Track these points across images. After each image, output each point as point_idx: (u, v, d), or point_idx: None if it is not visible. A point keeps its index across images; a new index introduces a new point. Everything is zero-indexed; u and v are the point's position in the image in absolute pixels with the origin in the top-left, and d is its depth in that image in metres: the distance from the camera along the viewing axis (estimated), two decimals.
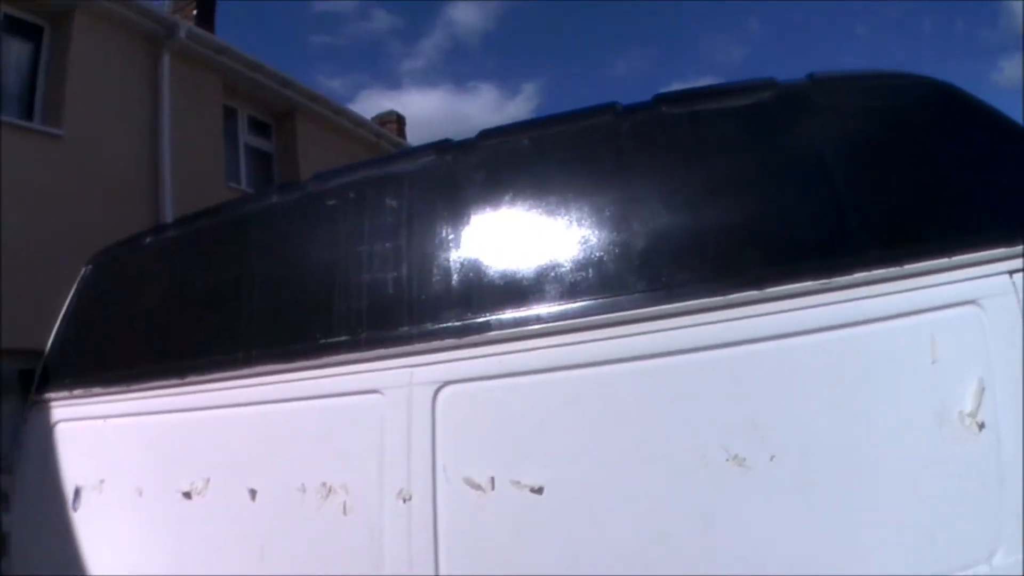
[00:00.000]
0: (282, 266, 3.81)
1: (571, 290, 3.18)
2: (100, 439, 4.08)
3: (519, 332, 3.18)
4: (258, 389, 3.60)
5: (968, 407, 2.76)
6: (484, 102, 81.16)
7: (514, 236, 3.35)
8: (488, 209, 3.43)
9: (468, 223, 3.42)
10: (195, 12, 14.40)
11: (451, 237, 3.42)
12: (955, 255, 2.89)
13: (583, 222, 3.28)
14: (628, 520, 2.96)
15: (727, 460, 2.85)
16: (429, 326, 3.31)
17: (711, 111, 3.37)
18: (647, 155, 3.35)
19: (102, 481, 3.95)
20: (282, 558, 3.39)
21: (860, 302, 2.90)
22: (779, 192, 3.18)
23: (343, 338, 3.45)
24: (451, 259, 3.38)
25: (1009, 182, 3.13)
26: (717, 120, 3.35)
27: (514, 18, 79.19)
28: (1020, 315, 2.82)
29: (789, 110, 3.31)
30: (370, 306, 3.45)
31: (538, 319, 3.17)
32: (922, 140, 3.21)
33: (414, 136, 21.27)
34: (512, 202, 3.41)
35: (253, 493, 3.47)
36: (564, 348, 3.12)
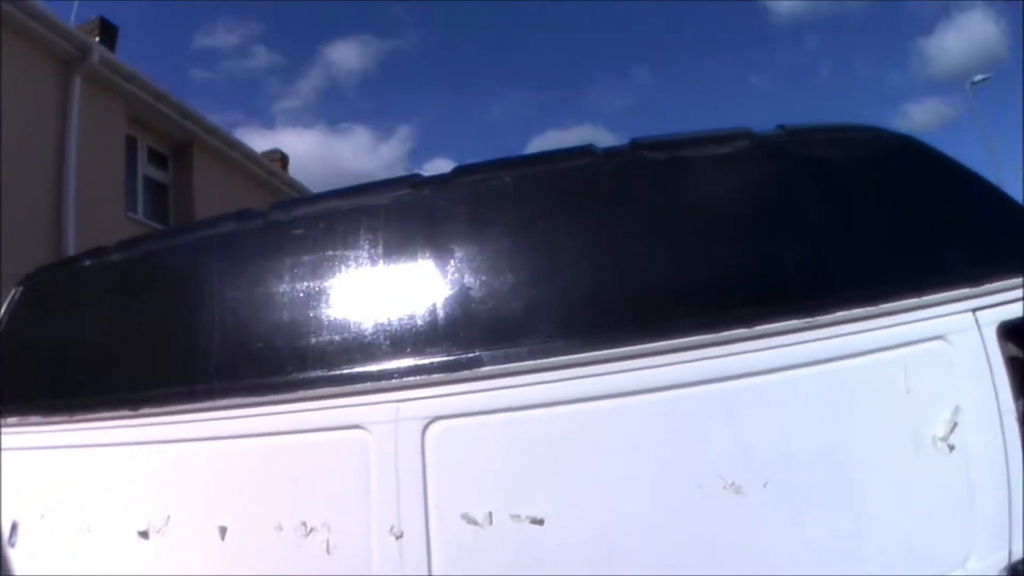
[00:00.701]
0: (246, 296, 3.67)
1: (563, 327, 3.24)
2: (38, 471, 3.81)
3: (513, 368, 3.19)
4: (225, 423, 3.45)
5: (940, 432, 3.06)
6: (357, 144, 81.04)
7: (501, 272, 3.36)
8: (472, 244, 3.43)
9: (452, 258, 3.41)
10: (97, 39, 13.98)
11: (434, 271, 3.40)
12: (923, 295, 3.19)
13: (573, 260, 3.35)
14: (631, 549, 3.03)
15: (724, 488, 3.00)
16: (415, 361, 3.27)
17: (692, 157, 3.53)
18: (633, 197, 3.46)
19: (42, 516, 3.69)
20: None
21: (841, 339, 3.15)
22: (762, 236, 3.38)
23: (320, 372, 3.37)
24: (436, 293, 3.36)
25: (967, 225, 3.48)
26: (698, 166, 3.51)
27: (394, 60, 79.69)
28: (982, 348, 3.16)
29: (766, 159, 3.53)
30: (348, 340, 3.39)
31: (531, 354, 3.19)
32: (890, 188, 3.50)
33: (295, 175, 21.34)
34: (497, 238, 3.42)
35: (223, 531, 3.33)
36: (560, 384, 3.16)
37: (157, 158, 15.77)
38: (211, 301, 3.66)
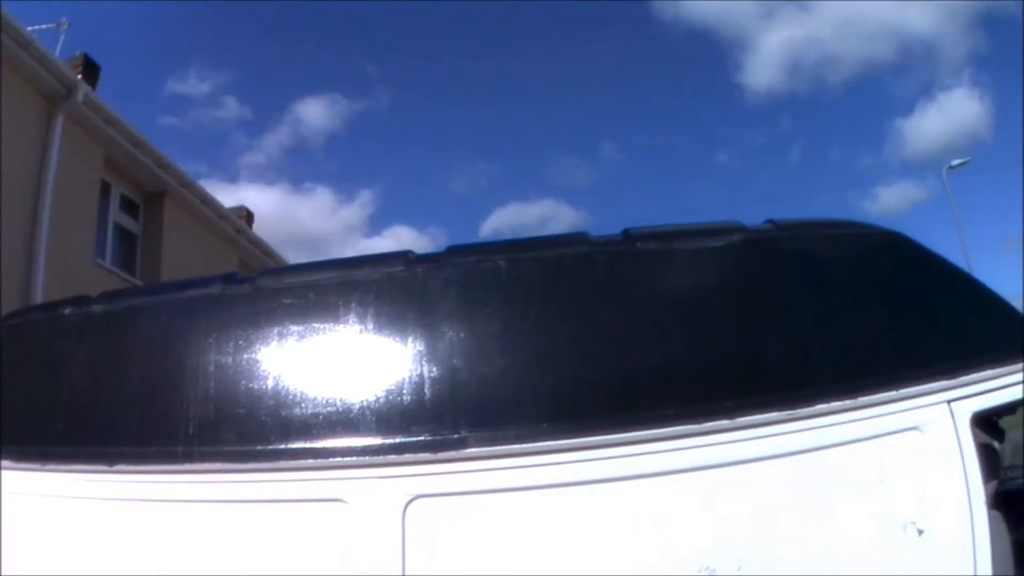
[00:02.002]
0: (230, 361, 3.63)
1: (550, 412, 3.27)
2: (3, 516, 3.64)
3: (499, 451, 3.22)
4: (203, 487, 3.41)
5: (911, 517, 3.12)
6: (318, 205, 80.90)
7: (491, 354, 3.40)
8: (463, 325, 3.46)
9: (442, 337, 3.43)
10: (80, 76, 13.68)
11: (423, 349, 3.42)
12: (901, 387, 3.29)
13: (563, 346, 3.40)
14: None
15: (700, 571, 3.04)
16: (400, 438, 3.27)
17: (684, 250, 3.62)
18: (625, 287, 3.55)
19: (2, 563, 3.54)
20: None
21: (820, 431, 3.24)
22: (749, 330, 3.46)
23: (302, 444, 3.34)
24: (424, 371, 3.37)
25: (948, 320, 3.60)
26: (690, 259, 3.61)
27: (362, 123, 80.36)
28: (955, 438, 3.24)
29: (758, 254, 3.63)
30: (333, 413, 3.37)
31: (517, 438, 3.22)
32: (877, 285, 3.63)
33: (256, 233, 21.41)
34: (488, 320, 3.47)
35: None
36: (545, 468, 3.18)
37: (129, 206, 15.77)
38: (195, 363, 3.62)
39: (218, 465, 3.40)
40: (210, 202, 17.91)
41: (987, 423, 3.69)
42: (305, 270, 3.92)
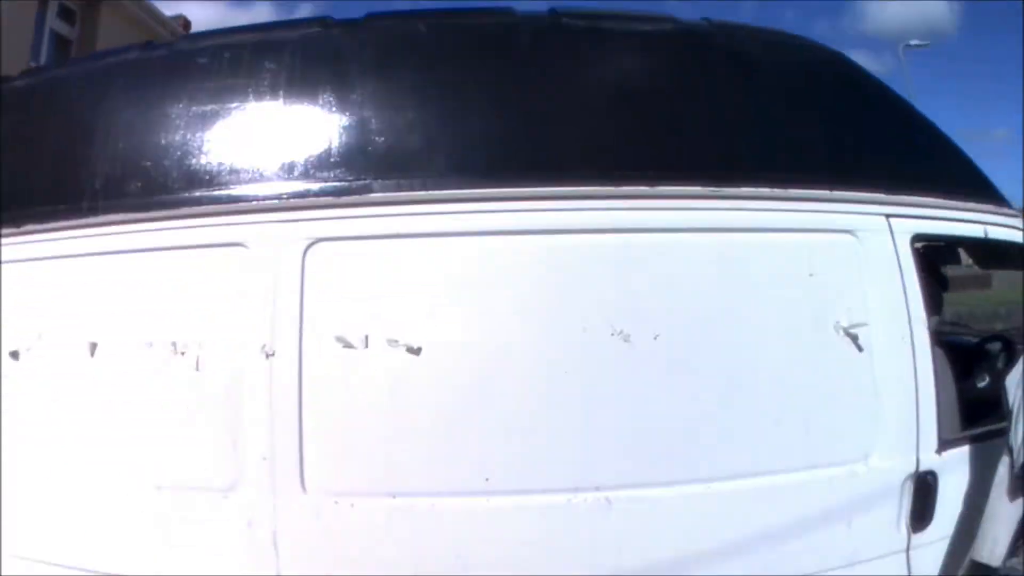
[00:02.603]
0: (141, 118, 3.54)
1: (460, 163, 3.26)
2: None
3: (403, 196, 3.19)
4: (105, 239, 3.36)
5: (843, 320, 3.21)
6: (257, 17, 78.23)
7: (403, 108, 3.34)
8: (376, 81, 3.40)
9: (353, 92, 3.37)
10: None
11: (333, 104, 3.35)
12: (835, 189, 3.34)
13: (477, 107, 3.37)
14: (508, 383, 3.10)
15: (612, 334, 3.08)
16: (303, 185, 3.24)
17: (612, 30, 3.57)
18: (546, 60, 3.49)
19: None
20: (127, 413, 3.24)
21: (744, 212, 3.26)
22: (674, 108, 3.47)
23: (205, 191, 3.31)
24: (333, 124, 3.32)
25: (889, 140, 3.67)
26: (618, 39, 3.56)
27: None
28: (893, 252, 3.34)
29: (689, 44, 3.62)
30: (237, 161, 3.32)
31: (423, 186, 3.19)
32: (813, 91, 3.68)
33: None
34: (402, 77, 3.41)
35: (93, 347, 3.27)
36: (451, 216, 3.18)
37: (66, 13, 15.37)
38: (105, 122, 3.56)
39: (121, 216, 3.35)
40: (148, 9, 17.42)
41: (930, 267, 3.80)
42: (223, 33, 3.87)
